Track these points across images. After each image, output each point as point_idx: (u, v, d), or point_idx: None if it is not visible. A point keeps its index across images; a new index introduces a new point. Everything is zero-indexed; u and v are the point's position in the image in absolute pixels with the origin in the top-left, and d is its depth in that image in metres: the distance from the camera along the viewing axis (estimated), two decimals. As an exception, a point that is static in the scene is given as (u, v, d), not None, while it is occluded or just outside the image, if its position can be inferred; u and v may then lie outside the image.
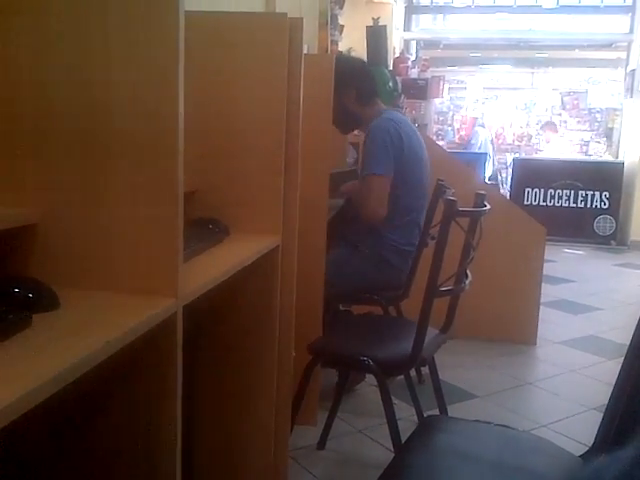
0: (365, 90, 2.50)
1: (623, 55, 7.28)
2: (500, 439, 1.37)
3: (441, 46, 8.41)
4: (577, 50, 8.80)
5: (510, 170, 7.64)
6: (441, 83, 5.42)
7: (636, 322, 1.22)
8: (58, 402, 0.72)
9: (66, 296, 0.96)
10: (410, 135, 2.44)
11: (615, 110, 8.11)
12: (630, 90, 6.69)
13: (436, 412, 2.21)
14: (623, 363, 1.26)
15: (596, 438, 1.28)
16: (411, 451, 1.31)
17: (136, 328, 0.89)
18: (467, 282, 1.90)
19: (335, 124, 2.59)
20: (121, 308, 0.97)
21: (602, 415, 1.28)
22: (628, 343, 1.26)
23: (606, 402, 1.28)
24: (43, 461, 1.09)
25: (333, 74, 2.15)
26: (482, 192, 1.97)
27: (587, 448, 1.29)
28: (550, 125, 9.35)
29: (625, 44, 7.15)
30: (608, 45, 8.12)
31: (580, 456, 1.28)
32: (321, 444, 2.22)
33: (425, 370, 2.52)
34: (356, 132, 3.51)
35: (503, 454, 1.29)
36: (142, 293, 1.01)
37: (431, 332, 1.87)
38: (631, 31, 6.92)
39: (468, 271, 1.93)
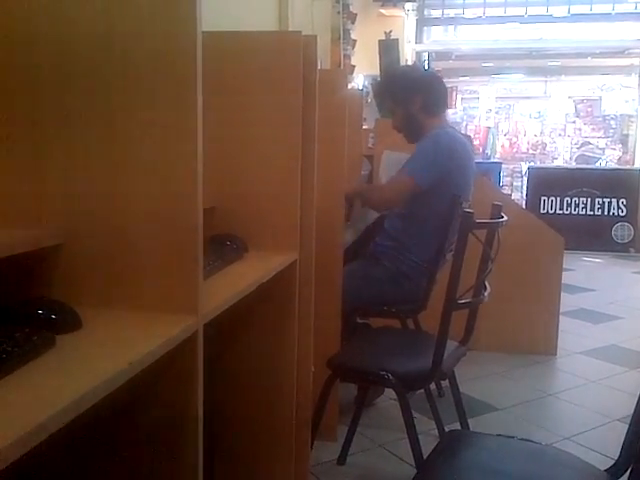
0: (431, 101, 2.52)
1: (636, 61, 7.25)
2: (524, 454, 1.35)
3: (453, 57, 8.41)
4: (590, 58, 8.75)
5: (525, 179, 7.60)
6: (454, 94, 5.43)
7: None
8: (79, 420, 0.72)
9: (88, 316, 0.96)
10: (462, 158, 2.44)
11: (630, 116, 8.06)
12: (644, 96, 6.65)
13: (457, 425, 2.20)
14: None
15: (621, 451, 1.26)
16: (434, 467, 1.30)
17: (159, 348, 0.89)
18: (486, 294, 1.89)
19: (399, 130, 2.58)
20: (143, 328, 0.98)
21: (627, 427, 1.26)
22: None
23: (630, 413, 1.26)
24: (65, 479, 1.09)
25: (346, 88, 2.16)
26: (499, 203, 1.96)
27: (612, 461, 1.27)
28: None
29: (638, 50, 7.12)
30: (621, 52, 8.08)
31: (606, 470, 1.26)
32: (342, 459, 2.21)
33: (445, 383, 2.50)
34: (370, 145, 3.53)
35: (527, 469, 1.27)
36: (163, 312, 1.02)
37: (450, 345, 1.86)
38: (644, 37, 6.89)
39: (486, 282, 1.93)
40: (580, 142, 9.28)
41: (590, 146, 8.92)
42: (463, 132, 10.13)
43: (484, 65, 9.47)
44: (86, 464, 1.08)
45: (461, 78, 9.59)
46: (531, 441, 1.43)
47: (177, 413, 1.04)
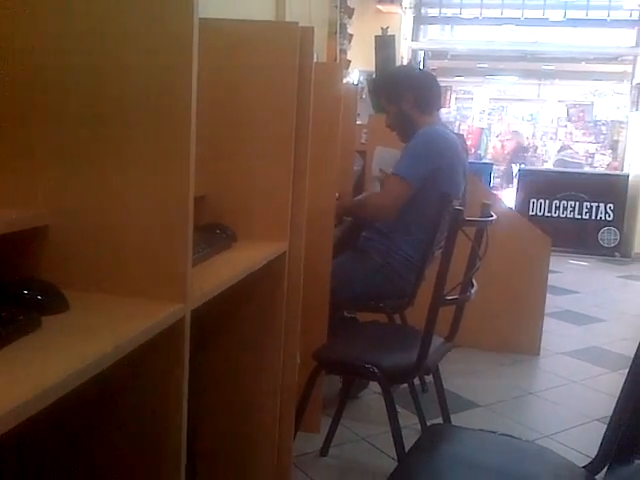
0: (423, 98, 2.51)
1: (629, 68, 7.29)
2: (504, 448, 1.37)
3: (448, 56, 8.42)
4: (583, 63, 8.81)
5: (515, 181, 7.63)
6: (448, 93, 5.45)
7: (640, 334, 1.23)
8: (63, 402, 0.72)
9: (75, 298, 0.96)
10: (451, 156, 2.44)
11: (620, 123, 8.12)
12: (636, 103, 6.70)
13: (439, 421, 2.21)
14: (627, 375, 1.26)
15: (599, 450, 1.28)
16: (415, 460, 1.31)
17: (145, 332, 0.89)
18: (473, 291, 1.90)
19: (392, 128, 2.56)
20: (130, 312, 0.98)
21: (605, 426, 1.28)
22: (631, 355, 1.26)
23: (609, 413, 1.28)
24: (48, 462, 1.09)
25: (342, 82, 2.16)
26: (488, 202, 1.98)
27: (590, 459, 1.29)
28: None
29: (631, 58, 7.17)
30: (614, 58, 8.14)
31: (584, 467, 1.28)
32: (324, 451, 2.22)
33: (429, 378, 2.52)
34: (363, 140, 3.53)
35: (507, 463, 1.29)
36: (151, 297, 1.02)
37: (436, 341, 1.87)
38: (637, 45, 6.94)
39: (474, 280, 1.94)
40: (559, 145, 9.31)
41: (569, 151, 8.97)
42: (456, 131, 10.17)
43: (479, 66, 9.49)
44: (69, 446, 1.08)
45: (456, 78, 9.61)
46: (512, 436, 1.45)
47: (162, 398, 1.05)
